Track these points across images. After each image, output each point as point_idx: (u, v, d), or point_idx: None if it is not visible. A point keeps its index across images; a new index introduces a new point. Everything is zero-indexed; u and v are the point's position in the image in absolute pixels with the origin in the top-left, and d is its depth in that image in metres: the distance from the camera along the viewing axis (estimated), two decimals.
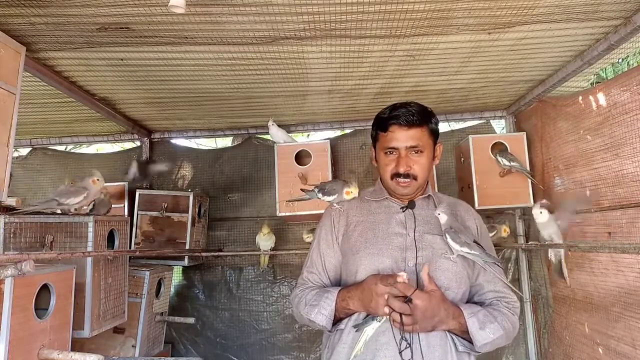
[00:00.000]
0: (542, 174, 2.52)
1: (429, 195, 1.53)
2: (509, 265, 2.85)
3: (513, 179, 2.47)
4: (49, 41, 1.76)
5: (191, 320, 2.65)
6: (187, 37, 1.75)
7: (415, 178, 1.44)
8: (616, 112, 1.88)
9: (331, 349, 1.41)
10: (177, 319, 2.67)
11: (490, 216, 2.88)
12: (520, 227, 2.81)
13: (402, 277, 1.27)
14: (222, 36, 1.75)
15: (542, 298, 2.63)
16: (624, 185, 1.85)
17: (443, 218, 1.38)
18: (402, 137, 1.42)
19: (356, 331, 1.33)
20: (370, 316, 1.31)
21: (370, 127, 1.54)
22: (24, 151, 3.24)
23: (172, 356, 2.84)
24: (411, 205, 1.47)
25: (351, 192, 1.65)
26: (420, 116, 1.42)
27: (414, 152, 1.43)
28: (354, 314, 1.37)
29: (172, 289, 2.88)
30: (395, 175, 1.44)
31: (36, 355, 1.43)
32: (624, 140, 1.83)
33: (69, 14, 1.55)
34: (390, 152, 1.45)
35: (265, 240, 2.68)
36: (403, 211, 1.47)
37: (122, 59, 1.94)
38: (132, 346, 2.30)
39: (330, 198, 1.68)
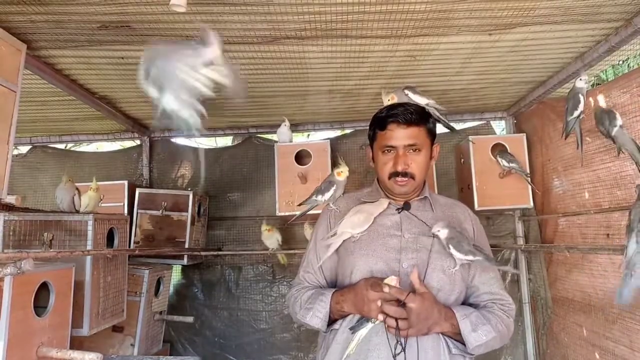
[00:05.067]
0: (542, 175, 2.52)
1: (425, 196, 1.52)
2: (509, 266, 2.85)
3: (512, 180, 2.47)
4: (50, 39, 1.75)
5: (190, 319, 2.65)
6: (188, 36, 1.75)
7: (413, 177, 1.44)
8: None
9: (326, 348, 1.41)
10: (176, 318, 2.67)
11: (490, 217, 2.88)
12: (519, 229, 2.81)
13: (390, 283, 1.26)
14: (222, 35, 1.75)
15: (541, 299, 2.63)
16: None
17: (443, 233, 1.38)
18: (400, 135, 1.42)
19: (352, 333, 1.33)
20: (364, 318, 1.32)
21: None
22: (24, 149, 3.23)
23: (170, 355, 2.84)
24: (406, 206, 1.47)
25: (341, 171, 1.70)
26: (419, 115, 1.43)
27: (412, 151, 1.43)
28: (349, 316, 1.37)
29: (171, 288, 2.88)
30: (394, 174, 1.44)
31: (35, 353, 1.43)
32: None
33: (70, 12, 1.55)
34: (388, 150, 1.45)
35: (267, 238, 2.67)
36: (398, 212, 1.47)
37: (122, 58, 1.94)
38: (131, 345, 2.30)
39: (329, 194, 1.69)
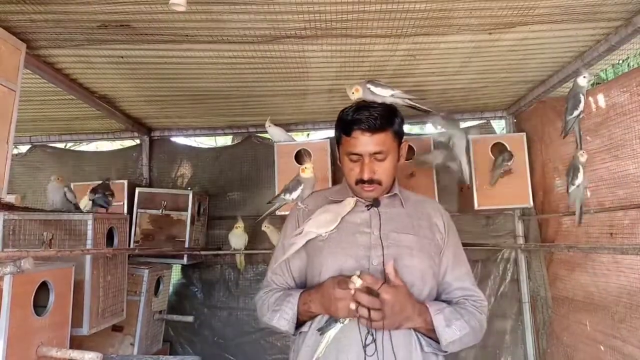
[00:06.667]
0: (542, 174, 2.52)
1: (395, 193, 1.49)
2: (508, 265, 2.85)
3: (512, 179, 2.47)
4: (50, 38, 1.75)
5: (190, 318, 2.65)
6: (187, 36, 1.75)
7: (379, 183, 1.41)
8: (615, 113, 1.89)
9: (297, 352, 1.38)
10: (176, 317, 2.67)
11: (490, 216, 2.88)
12: (519, 228, 2.81)
13: (355, 280, 1.23)
14: (222, 34, 1.75)
15: (541, 299, 2.63)
16: (624, 187, 1.85)
17: None
18: (365, 143, 1.38)
19: (320, 334, 1.30)
20: (332, 318, 1.28)
21: None
22: (24, 148, 3.23)
23: (170, 355, 2.84)
24: (375, 203, 1.42)
25: (305, 167, 1.66)
26: (384, 120, 1.38)
27: (377, 158, 1.39)
28: (317, 316, 1.34)
29: (171, 288, 2.88)
30: (360, 181, 1.41)
31: (35, 353, 1.43)
32: (623, 142, 1.84)
33: (69, 11, 1.55)
34: (353, 157, 1.41)
35: (238, 237, 2.65)
36: (368, 209, 1.43)
37: (122, 57, 1.93)
38: (131, 344, 2.30)
39: (297, 192, 1.65)
